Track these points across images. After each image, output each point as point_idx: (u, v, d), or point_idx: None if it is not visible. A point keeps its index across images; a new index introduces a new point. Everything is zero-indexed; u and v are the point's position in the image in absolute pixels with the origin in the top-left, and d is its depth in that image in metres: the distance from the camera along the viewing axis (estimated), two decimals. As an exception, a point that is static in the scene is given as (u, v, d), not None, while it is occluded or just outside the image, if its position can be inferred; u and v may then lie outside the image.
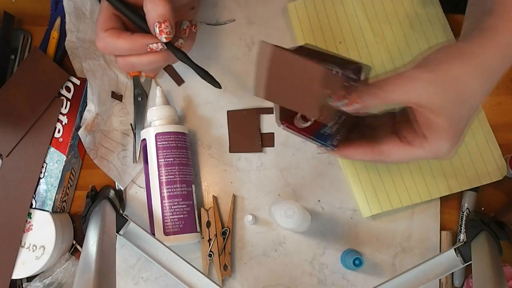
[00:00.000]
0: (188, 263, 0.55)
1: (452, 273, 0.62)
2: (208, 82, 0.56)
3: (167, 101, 0.63)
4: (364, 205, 0.61)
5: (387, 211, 0.61)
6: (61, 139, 0.61)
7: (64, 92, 0.63)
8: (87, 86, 0.63)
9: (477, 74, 0.44)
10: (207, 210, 0.63)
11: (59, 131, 0.62)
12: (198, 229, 0.61)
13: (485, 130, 0.62)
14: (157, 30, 0.49)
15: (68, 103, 0.62)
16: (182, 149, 0.61)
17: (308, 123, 0.51)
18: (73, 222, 0.64)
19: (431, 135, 0.45)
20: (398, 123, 0.50)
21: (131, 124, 0.65)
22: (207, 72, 0.55)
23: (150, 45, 0.50)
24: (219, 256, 0.62)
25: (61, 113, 0.62)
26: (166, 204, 0.59)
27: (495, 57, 0.44)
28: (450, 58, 0.44)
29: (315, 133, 0.50)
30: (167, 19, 0.49)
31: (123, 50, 0.51)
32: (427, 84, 0.43)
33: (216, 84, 0.56)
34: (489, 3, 0.46)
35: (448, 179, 0.61)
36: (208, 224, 0.62)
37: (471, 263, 0.53)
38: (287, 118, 0.51)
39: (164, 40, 0.50)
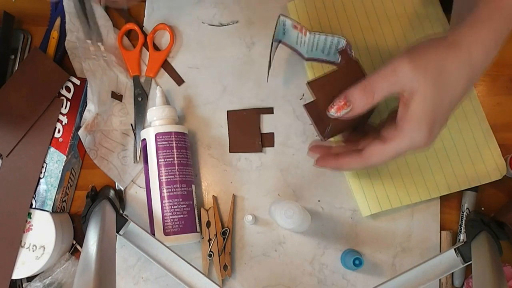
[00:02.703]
0: (188, 263, 0.55)
1: (452, 273, 0.62)
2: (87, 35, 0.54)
3: (167, 101, 0.63)
4: (363, 205, 0.61)
5: (387, 210, 0.61)
6: (61, 139, 0.61)
7: (64, 92, 0.63)
8: (87, 86, 0.63)
9: (461, 64, 0.43)
10: (207, 210, 0.63)
11: (59, 131, 0.62)
12: (198, 229, 0.61)
13: (485, 130, 0.62)
14: None
15: (68, 103, 0.63)
16: (182, 149, 0.61)
17: None
18: (73, 222, 0.64)
19: (405, 125, 0.45)
20: (382, 128, 0.50)
21: (131, 124, 0.65)
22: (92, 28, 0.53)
23: None
24: (219, 256, 0.62)
25: (61, 113, 0.62)
26: (166, 204, 0.59)
27: (479, 50, 0.44)
28: (435, 47, 0.44)
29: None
30: None
31: None
32: (409, 70, 0.43)
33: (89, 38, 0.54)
34: None
35: (447, 179, 0.61)
36: (208, 224, 0.62)
37: (471, 263, 0.53)
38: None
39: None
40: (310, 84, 0.52)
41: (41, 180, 0.61)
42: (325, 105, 0.49)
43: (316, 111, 0.55)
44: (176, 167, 0.59)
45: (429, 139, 0.45)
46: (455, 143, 0.62)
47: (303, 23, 0.65)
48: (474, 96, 0.63)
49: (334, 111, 0.47)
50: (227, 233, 0.62)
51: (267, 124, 0.65)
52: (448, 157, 0.62)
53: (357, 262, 0.58)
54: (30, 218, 0.60)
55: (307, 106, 0.56)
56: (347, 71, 0.52)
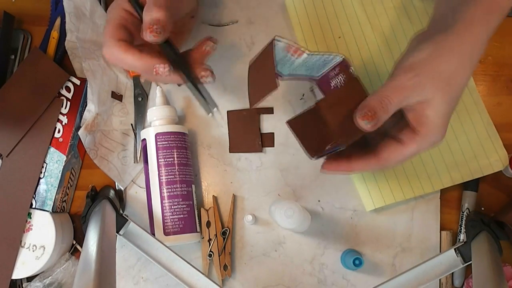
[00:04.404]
0: (188, 263, 0.55)
1: (452, 273, 0.62)
2: (203, 107, 0.55)
3: (167, 101, 0.63)
4: (367, 199, 0.61)
5: (390, 204, 0.61)
6: (61, 139, 0.61)
7: (64, 92, 0.63)
8: (87, 86, 0.63)
9: (459, 65, 0.46)
10: (207, 210, 0.63)
11: (59, 131, 0.62)
12: (198, 229, 0.61)
13: (486, 122, 0.62)
14: (147, 33, 0.48)
15: (68, 103, 0.62)
16: (182, 149, 0.61)
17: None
18: (73, 222, 0.64)
19: (423, 130, 0.47)
20: (391, 128, 0.50)
21: (131, 124, 0.65)
22: (207, 100, 0.54)
23: (157, 67, 0.49)
24: (219, 256, 0.62)
25: (61, 113, 0.62)
26: (166, 204, 0.59)
27: (472, 47, 0.46)
28: (432, 56, 0.46)
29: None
30: (161, 23, 0.48)
31: (129, 65, 0.50)
32: (417, 86, 0.46)
33: (208, 111, 0.56)
34: None
35: (450, 171, 0.61)
36: (208, 224, 0.62)
37: (471, 263, 0.53)
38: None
39: (151, 39, 0.48)
40: (290, 122, 0.53)
41: (41, 180, 0.61)
42: (336, 125, 0.50)
43: (302, 127, 0.54)
44: (176, 167, 0.59)
45: (444, 135, 0.48)
46: (457, 135, 0.62)
47: (302, 19, 0.65)
48: (473, 89, 0.63)
49: (366, 123, 0.47)
50: (227, 233, 0.62)
51: (267, 124, 0.65)
52: (450, 149, 0.62)
53: (357, 262, 0.58)
54: (30, 218, 0.60)
55: (291, 123, 0.54)
56: (348, 90, 0.52)
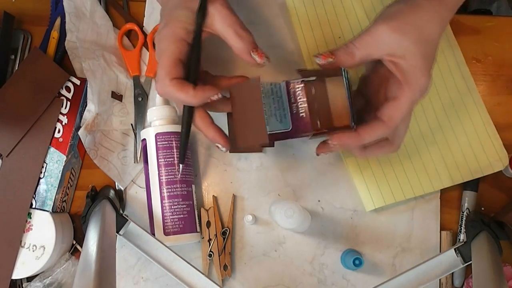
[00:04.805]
0: (188, 263, 0.55)
1: (452, 273, 0.62)
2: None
3: (167, 101, 0.63)
4: (367, 199, 0.61)
5: (390, 204, 0.61)
6: (61, 139, 0.61)
7: (64, 92, 0.63)
8: (87, 86, 0.63)
9: (433, 20, 0.50)
10: (207, 210, 0.63)
11: (59, 131, 0.62)
12: (198, 229, 0.61)
13: (485, 121, 0.62)
14: (256, 56, 0.50)
15: (68, 103, 0.63)
16: (182, 149, 0.61)
17: None
18: (73, 222, 0.64)
19: (410, 77, 0.49)
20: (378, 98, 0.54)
21: (131, 124, 0.65)
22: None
23: (212, 98, 0.50)
24: (219, 256, 0.62)
25: (61, 113, 0.62)
26: (166, 204, 0.59)
27: (445, 9, 0.51)
28: (402, 9, 0.50)
29: None
30: (255, 46, 0.51)
31: (183, 102, 0.51)
32: (392, 32, 0.49)
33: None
34: None
35: (450, 171, 0.61)
36: (208, 224, 0.62)
37: (471, 263, 0.53)
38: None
39: (267, 63, 0.51)
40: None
41: (41, 180, 0.61)
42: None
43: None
44: (176, 167, 0.59)
45: (430, 80, 0.50)
46: (457, 135, 0.62)
47: (302, 19, 0.65)
48: (473, 89, 0.63)
49: (319, 59, 0.51)
50: (227, 233, 0.62)
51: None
52: (450, 149, 0.62)
53: (357, 262, 0.58)
54: (30, 218, 0.60)
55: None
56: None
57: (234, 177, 0.64)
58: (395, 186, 0.61)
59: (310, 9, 0.65)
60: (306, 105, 0.54)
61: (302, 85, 0.54)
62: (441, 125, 0.63)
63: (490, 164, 0.61)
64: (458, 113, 0.63)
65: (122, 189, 0.64)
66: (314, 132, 0.53)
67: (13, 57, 0.64)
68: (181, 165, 0.58)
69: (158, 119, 0.61)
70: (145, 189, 0.62)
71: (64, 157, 0.61)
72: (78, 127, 0.62)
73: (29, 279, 0.61)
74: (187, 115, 0.52)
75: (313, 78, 0.54)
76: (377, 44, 0.50)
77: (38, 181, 0.60)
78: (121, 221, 0.56)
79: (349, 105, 0.52)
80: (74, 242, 0.64)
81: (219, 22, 0.50)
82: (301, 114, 0.54)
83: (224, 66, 0.66)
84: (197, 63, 0.51)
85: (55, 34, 0.64)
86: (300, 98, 0.54)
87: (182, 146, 0.55)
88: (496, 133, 0.62)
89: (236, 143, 0.53)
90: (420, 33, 0.49)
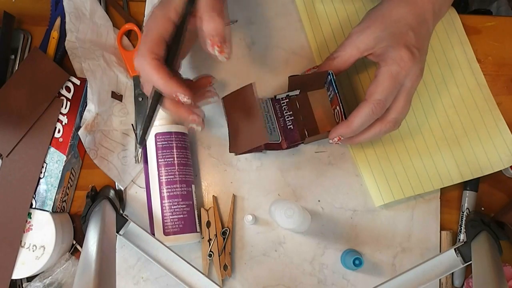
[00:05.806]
0: (188, 263, 0.55)
1: (452, 273, 0.62)
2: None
3: (167, 101, 0.63)
4: (376, 194, 0.61)
5: (399, 199, 0.61)
6: (61, 139, 0.61)
7: (64, 92, 0.63)
8: (87, 86, 0.63)
9: (399, 3, 0.54)
10: (207, 210, 0.63)
11: (59, 131, 0.62)
12: (198, 229, 0.61)
13: (496, 117, 0.63)
14: (216, 51, 0.48)
15: (68, 103, 0.63)
16: (182, 149, 0.61)
17: None
18: (73, 222, 0.64)
19: (385, 55, 0.53)
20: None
21: (132, 124, 0.65)
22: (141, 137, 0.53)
23: (179, 94, 0.49)
24: (219, 256, 0.62)
25: (61, 113, 0.62)
26: (166, 204, 0.59)
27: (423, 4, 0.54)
28: (383, 5, 0.55)
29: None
30: (222, 35, 0.48)
31: (153, 83, 0.50)
32: (362, 31, 0.54)
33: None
34: None
35: (460, 167, 0.61)
36: (208, 224, 0.62)
37: (471, 263, 0.53)
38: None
39: (224, 59, 0.49)
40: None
41: (41, 180, 0.61)
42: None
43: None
44: (176, 167, 0.59)
45: (413, 56, 0.52)
46: (467, 131, 0.62)
47: (311, 16, 0.65)
48: (484, 85, 0.63)
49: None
50: (227, 233, 0.62)
51: (267, 124, 0.65)
52: (459, 145, 0.62)
53: (357, 262, 0.58)
54: (30, 218, 0.60)
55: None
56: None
57: (234, 177, 0.64)
58: (404, 182, 0.61)
59: (318, 6, 0.65)
60: (292, 117, 0.62)
61: (287, 100, 0.62)
62: (451, 121, 0.63)
63: (500, 160, 0.61)
64: (468, 110, 0.63)
65: (122, 189, 0.64)
66: (303, 141, 0.61)
67: (13, 57, 0.64)
68: (140, 149, 0.58)
69: (158, 119, 0.61)
70: (145, 189, 0.62)
71: (64, 157, 0.61)
72: (78, 127, 0.62)
73: (29, 279, 0.61)
74: (155, 100, 0.51)
75: (297, 92, 0.61)
76: (354, 44, 0.55)
77: (38, 181, 0.60)
78: (121, 221, 0.56)
79: (341, 108, 0.56)
80: (74, 242, 0.64)
81: (202, 4, 0.48)
82: (289, 127, 0.62)
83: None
84: (178, 45, 0.50)
85: (55, 34, 0.64)
86: (286, 113, 0.62)
87: (145, 129, 0.51)
88: (507, 128, 0.62)
89: (237, 147, 0.57)
90: (385, 18, 0.54)
